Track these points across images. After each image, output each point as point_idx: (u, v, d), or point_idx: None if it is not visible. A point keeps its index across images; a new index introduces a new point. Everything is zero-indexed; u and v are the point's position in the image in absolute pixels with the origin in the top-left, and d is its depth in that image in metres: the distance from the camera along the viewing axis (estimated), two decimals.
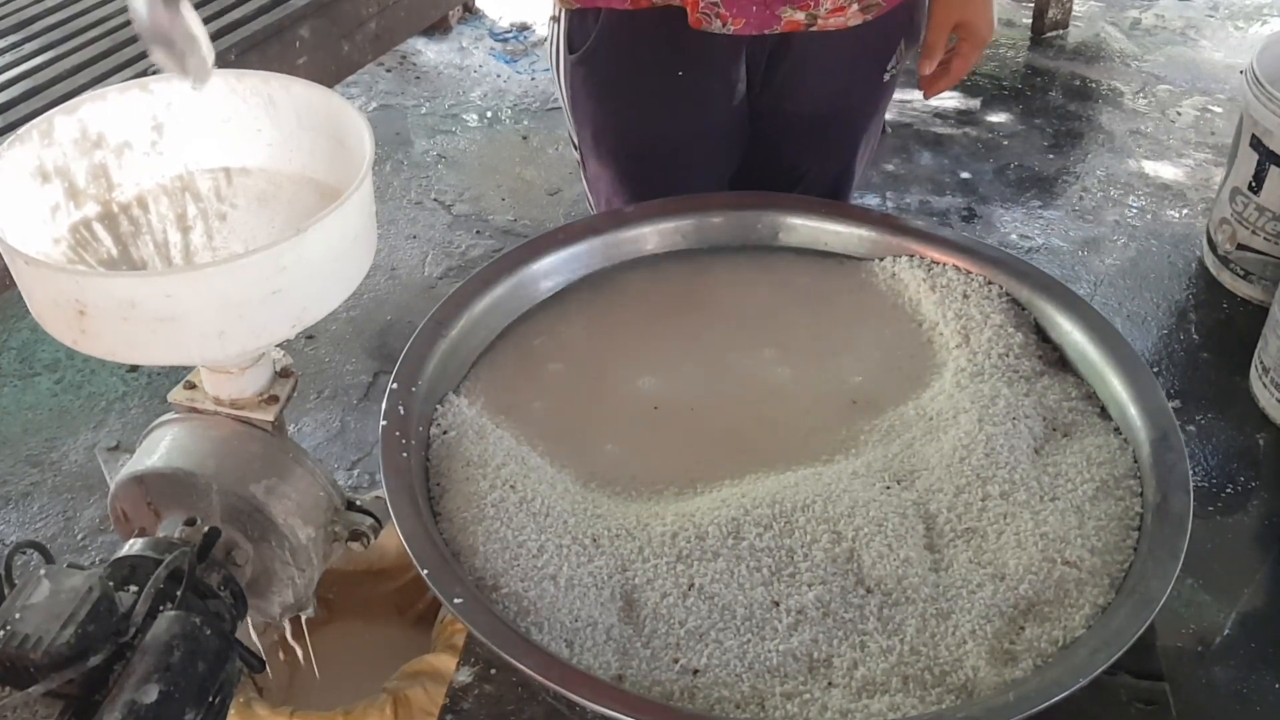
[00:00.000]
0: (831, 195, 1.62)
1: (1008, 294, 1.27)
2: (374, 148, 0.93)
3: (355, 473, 2.37)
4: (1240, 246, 2.73)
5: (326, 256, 0.88)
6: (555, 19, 1.48)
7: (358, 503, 1.06)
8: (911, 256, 1.32)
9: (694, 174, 1.50)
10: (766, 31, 1.37)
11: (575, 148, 1.59)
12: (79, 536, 2.23)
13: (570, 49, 1.46)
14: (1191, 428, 2.40)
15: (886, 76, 1.53)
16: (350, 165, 0.95)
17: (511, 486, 1.04)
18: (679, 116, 1.47)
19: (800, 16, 1.36)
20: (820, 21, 1.37)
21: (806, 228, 1.36)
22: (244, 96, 1.02)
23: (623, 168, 1.53)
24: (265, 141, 1.03)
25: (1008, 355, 1.20)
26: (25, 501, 2.30)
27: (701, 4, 1.33)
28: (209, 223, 1.06)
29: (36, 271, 0.84)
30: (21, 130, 0.93)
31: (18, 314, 2.71)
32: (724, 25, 1.35)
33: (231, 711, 0.90)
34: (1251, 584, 2.14)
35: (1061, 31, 3.94)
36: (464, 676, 1.09)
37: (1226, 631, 2.04)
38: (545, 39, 1.55)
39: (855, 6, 1.37)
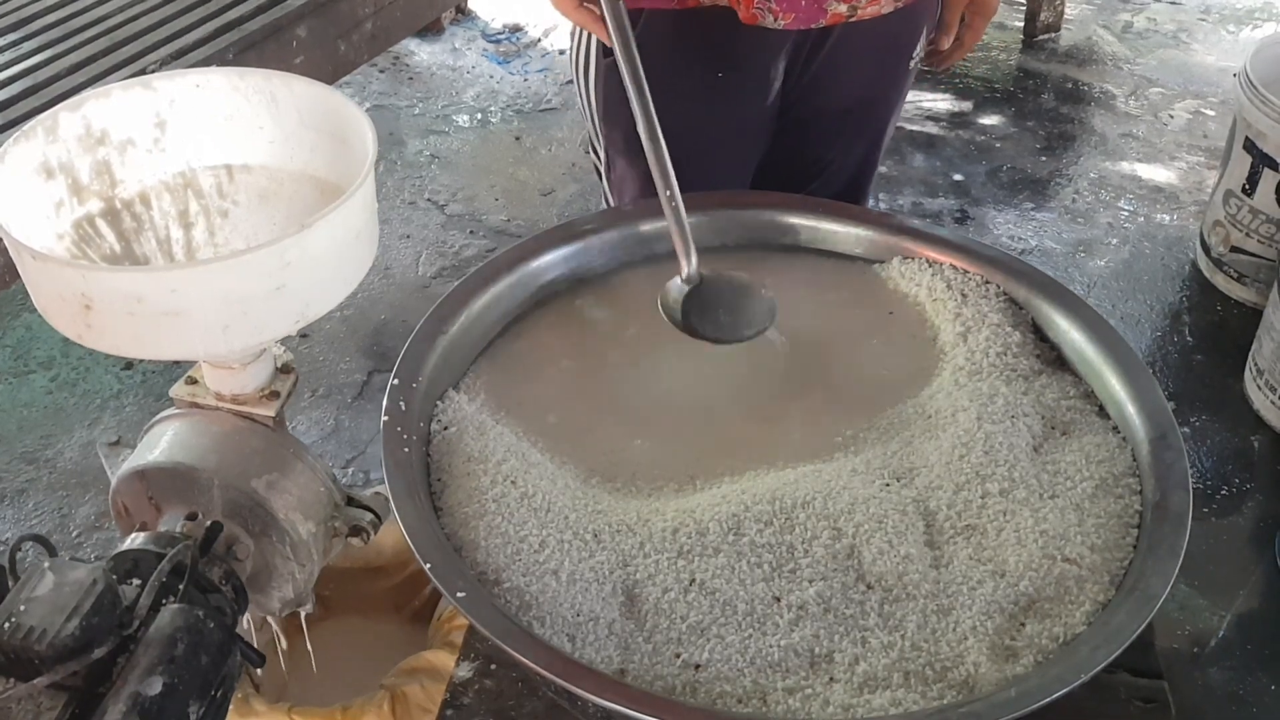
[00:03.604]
0: (853, 184, 1.66)
1: (1005, 293, 1.28)
2: (376, 145, 0.94)
3: (350, 470, 2.38)
4: (1234, 249, 2.74)
5: (330, 253, 0.88)
6: None
7: (357, 498, 1.07)
8: (909, 256, 1.33)
9: (723, 171, 1.52)
10: (813, 25, 1.39)
11: (596, 150, 1.60)
12: (74, 534, 2.23)
13: (605, 51, 1.46)
14: (1186, 430, 2.41)
15: (912, 64, 1.56)
16: (351, 163, 0.95)
17: (512, 482, 1.04)
18: (715, 116, 1.48)
19: (843, 9, 1.37)
20: (860, 12, 1.39)
21: (805, 227, 1.37)
22: (246, 94, 1.01)
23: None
24: (267, 139, 1.03)
25: (1006, 354, 1.20)
26: (20, 499, 2.30)
27: (755, 1, 1.34)
28: (211, 219, 1.06)
29: (43, 266, 0.84)
30: (26, 126, 0.93)
31: (13, 311, 2.71)
32: (775, 20, 1.36)
33: (230, 708, 0.90)
34: (1246, 586, 2.15)
35: (1053, 34, 3.95)
36: (464, 672, 1.09)
37: (1222, 633, 2.05)
38: (571, 42, 1.55)
39: None
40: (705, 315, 1.21)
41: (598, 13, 1.24)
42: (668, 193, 1.20)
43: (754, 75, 1.47)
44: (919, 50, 1.55)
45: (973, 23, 1.54)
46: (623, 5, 1.22)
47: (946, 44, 1.56)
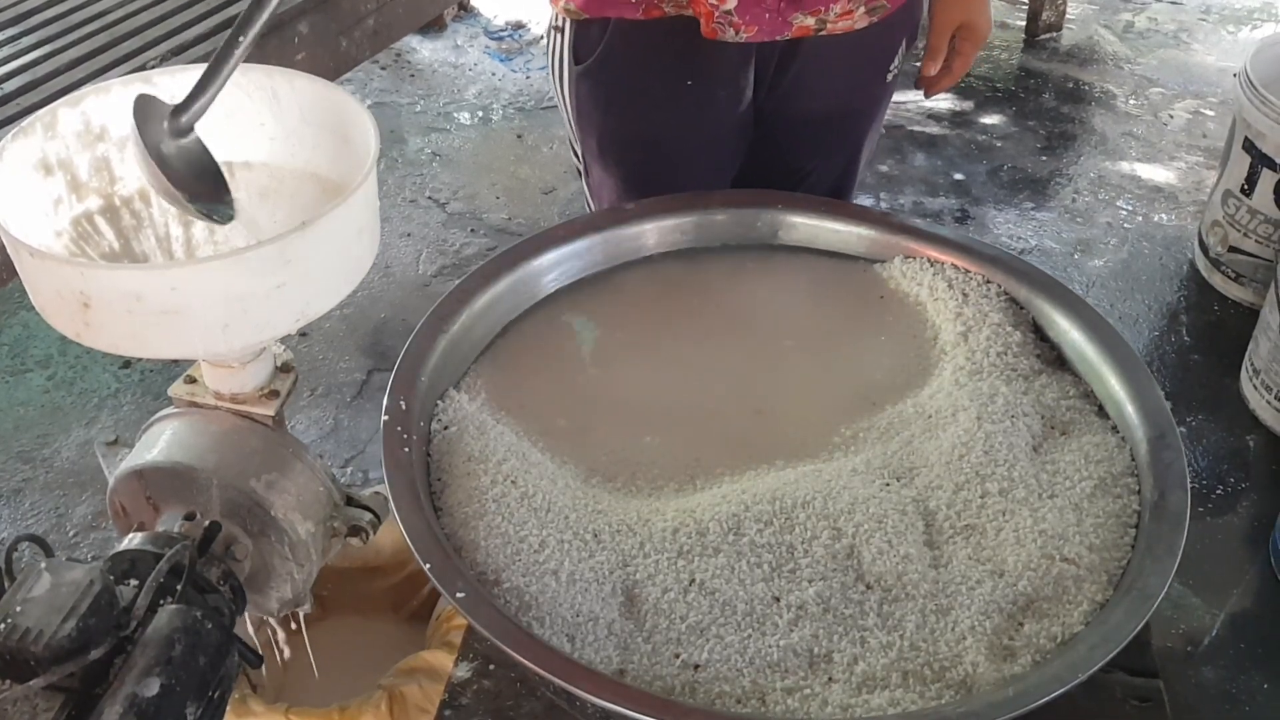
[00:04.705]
0: (833, 195, 1.63)
1: (1006, 293, 1.28)
2: (379, 143, 0.93)
3: (349, 470, 2.37)
4: (1232, 249, 2.74)
5: (331, 251, 0.88)
6: (558, 29, 1.47)
7: (356, 498, 1.06)
8: (910, 255, 1.33)
9: (699, 178, 1.51)
10: (778, 38, 1.38)
11: (577, 155, 1.60)
12: (71, 534, 2.22)
13: (576, 60, 1.46)
14: (1182, 429, 2.39)
15: (889, 77, 1.55)
16: (353, 160, 0.95)
17: (513, 482, 1.04)
18: (687, 124, 1.48)
19: (810, 22, 1.36)
20: (829, 26, 1.38)
21: (806, 226, 1.37)
22: (248, 91, 1.01)
23: (628, 174, 1.53)
24: (268, 136, 1.03)
25: (1006, 354, 1.20)
26: (17, 498, 2.29)
27: (716, 14, 1.33)
28: None
29: (41, 264, 0.83)
30: (25, 122, 0.92)
31: (10, 309, 2.71)
32: (737, 34, 1.35)
33: (228, 708, 0.90)
34: (1240, 585, 2.15)
35: (1055, 34, 3.95)
36: (463, 672, 1.09)
37: (1215, 632, 2.05)
38: (545, 46, 1.55)
39: (862, 9, 1.38)
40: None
41: None
42: (240, 37, 0.89)
43: (723, 84, 1.46)
44: (896, 63, 1.53)
45: (962, 49, 1.53)
46: None
47: (932, 70, 1.55)
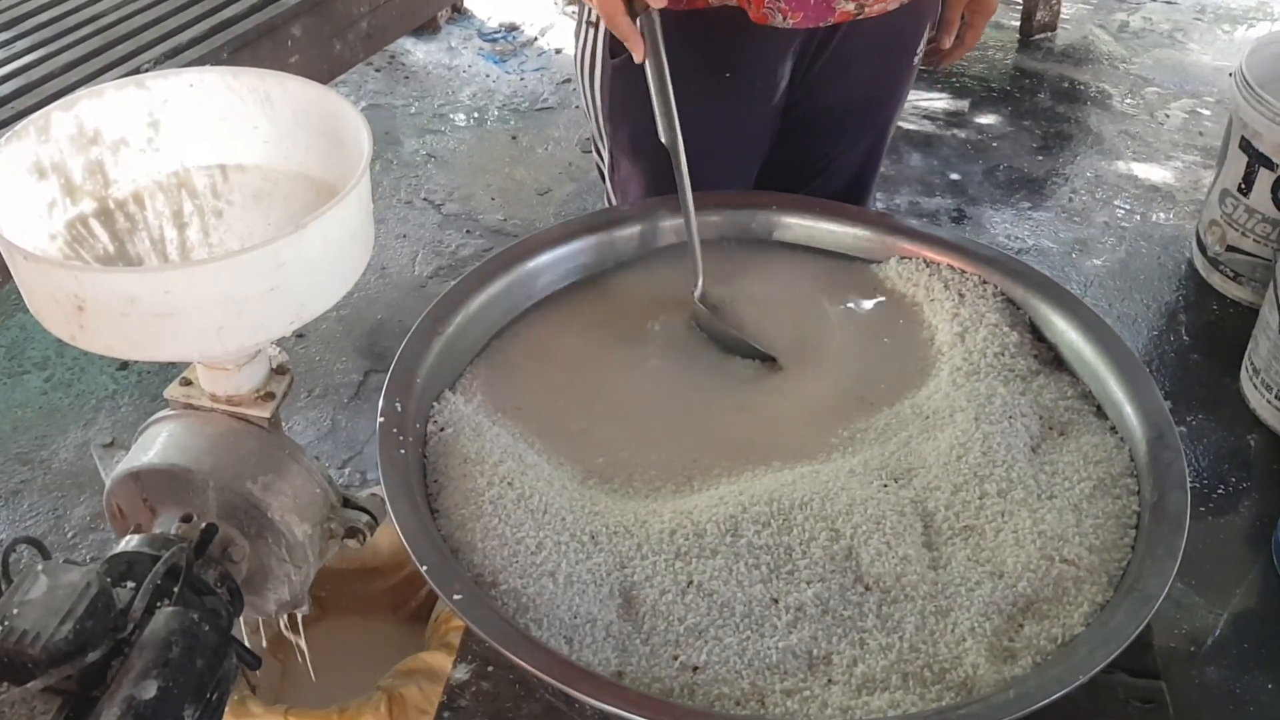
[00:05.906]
0: (857, 181, 1.66)
1: (1003, 293, 1.27)
2: (372, 145, 0.93)
3: (346, 471, 2.37)
4: (1230, 248, 2.74)
5: (325, 253, 0.88)
6: (592, 24, 1.48)
7: (353, 500, 1.06)
8: (907, 256, 1.33)
9: (729, 170, 1.52)
10: (821, 24, 1.39)
11: (601, 151, 1.60)
12: (69, 535, 2.22)
13: (612, 53, 1.46)
14: (1182, 429, 2.41)
15: (915, 59, 1.56)
16: (347, 162, 0.95)
17: (509, 483, 1.04)
18: (723, 116, 1.49)
19: (851, 7, 1.37)
20: (867, 9, 1.39)
21: (802, 227, 1.37)
22: (241, 94, 1.01)
23: (658, 167, 1.53)
24: (262, 139, 1.03)
25: (1003, 354, 1.20)
26: (15, 500, 2.29)
27: (766, 0, 1.33)
28: (205, 219, 1.05)
29: (35, 267, 0.83)
30: (18, 126, 0.92)
31: (7, 311, 2.71)
32: (785, 19, 1.35)
33: (226, 709, 0.89)
34: (1243, 584, 2.15)
35: (1050, 34, 3.95)
36: (461, 674, 1.09)
37: (1218, 632, 2.05)
38: (575, 42, 1.54)
39: None
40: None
41: (637, 26, 1.27)
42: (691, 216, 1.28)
43: (761, 75, 1.47)
44: (922, 46, 1.55)
45: (973, 21, 1.55)
46: (658, 22, 1.25)
47: (948, 43, 1.56)
